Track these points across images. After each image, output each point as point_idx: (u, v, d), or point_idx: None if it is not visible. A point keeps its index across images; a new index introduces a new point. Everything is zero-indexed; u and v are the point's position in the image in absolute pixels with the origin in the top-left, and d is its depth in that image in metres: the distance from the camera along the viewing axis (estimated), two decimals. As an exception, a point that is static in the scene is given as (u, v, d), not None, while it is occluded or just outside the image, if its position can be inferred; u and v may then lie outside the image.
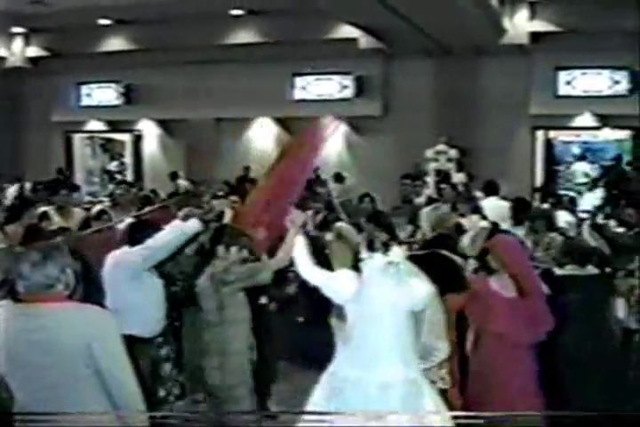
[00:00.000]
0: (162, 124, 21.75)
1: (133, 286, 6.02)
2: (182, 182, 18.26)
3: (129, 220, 6.87)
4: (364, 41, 17.87)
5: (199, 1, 17.30)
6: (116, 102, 21.47)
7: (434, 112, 18.08)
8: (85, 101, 21.93)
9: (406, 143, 18.01)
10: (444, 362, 5.62)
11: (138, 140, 22.31)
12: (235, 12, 18.42)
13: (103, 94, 21.76)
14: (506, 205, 10.46)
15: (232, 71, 19.37)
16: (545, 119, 17.85)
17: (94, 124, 22.28)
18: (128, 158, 22.72)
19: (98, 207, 11.43)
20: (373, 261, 5.18)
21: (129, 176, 21.98)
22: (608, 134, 18.15)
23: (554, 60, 17.24)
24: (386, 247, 5.26)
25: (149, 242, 6.00)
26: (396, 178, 14.91)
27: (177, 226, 6.09)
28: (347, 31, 17.75)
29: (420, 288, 5.25)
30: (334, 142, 19.91)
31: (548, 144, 18.68)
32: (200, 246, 7.06)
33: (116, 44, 20.26)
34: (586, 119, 17.71)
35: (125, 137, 22.76)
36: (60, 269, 4.02)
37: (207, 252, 6.69)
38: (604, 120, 17.57)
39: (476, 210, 9.87)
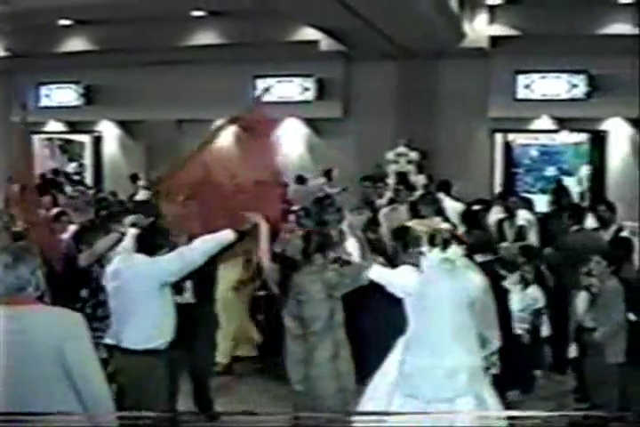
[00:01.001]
0: (122, 125, 21.63)
1: (158, 295, 5.85)
2: (142, 184, 18.16)
3: (133, 230, 6.61)
4: (326, 43, 17.90)
5: (160, 2, 17.22)
6: (75, 103, 21.32)
7: (394, 115, 18.18)
8: (45, 102, 21.72)
9: (367, 145, 18.10)
10: None
11: (98, 141, 22.16)
12: (196, 13, 18.36)
13: (63, 95, 21.58)
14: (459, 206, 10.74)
15: (193, 72, 19.32)
16: (504, 122, 18.03)
17: (53, 125, 22.10)
18: (88, 160, 22.55)
19: (57, 209, 11.39)
20: (431, 256, 5.66)
21: (88, 178, 21.83)
22: (566, 137, 18.37)
23: (513, 63, 17.42)
24: (445, 244, 5.66)
25: (184, 251, 5.91)
26: (358, 180, 14.98)
27: (213, 236, 6.05)
28: (308, 33, 17.77)
29: (475, 281, 5.83)
30: (295, 145, 19.97)
31: (507, 147, 18.84)
32: None
33: (76, 44, 20.08)
34: (544, 122, 17.93)
35: (85, 138, 22.59)
36: (31, 271, 4.04)
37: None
38: (562, 123, 17.80)
39: (439, 212, 9.94)
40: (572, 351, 7.48)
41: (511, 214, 9.97)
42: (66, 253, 6.85)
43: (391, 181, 16.80)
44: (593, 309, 7.08)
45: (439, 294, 5.63)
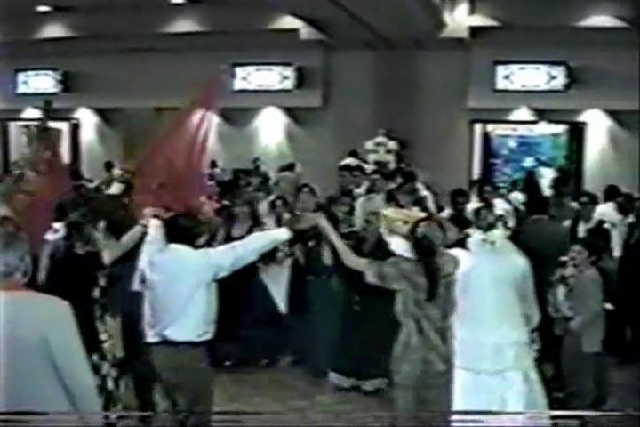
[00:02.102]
0: (100, 112, 21.55)
1: (207, 287, 5.74)
2: (117, 172, 18.03)
3: (155, 221, 6.44)
4: (305, 32, 17.89)
5: (139, -12, 17.17)
6: (53, 90, 21.17)
7: (374, 104, 18.18)
8: (22, 89, 21.60)
9: (346, 135, 18.08)
10: None
11: (75, 128, 22.04)
12: (175, 0, 18.28)
13: (40, 82, 21.46)
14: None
15: (172, 60, 19.22)
16: (483, 113, 18.07)
17: (31, 112, 21.93)
18: (65, 147, 22.39)
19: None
20: (473, 237, 6.27)
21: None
22: (544, 129, 18.42)
23: (492, 54, 17.47)
24: (488, 227, 6.33)
25: (237, 247, 5.84)
26: (336, 169, 14.96)
27: (269, 233, 6.11)
28: (288, 22, 17.76)
29: (518, 263, 6.32)
30: (274, 133, 19.95)
31: (486, 137, 18.89)
32: None
33: (54, 31, 19.95)
34: (523, 113, 17.99)
35: (63, 125, 22.40)
36: (20, 257, 4.00)
37: None
38: (541, 114, 17.86)
39: (418, 202, 9.94)
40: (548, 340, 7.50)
41: (488, 204, 9.95)
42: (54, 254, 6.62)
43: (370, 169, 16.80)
44: (570, 298, 7.10)
45: (481, 272, 6.06)
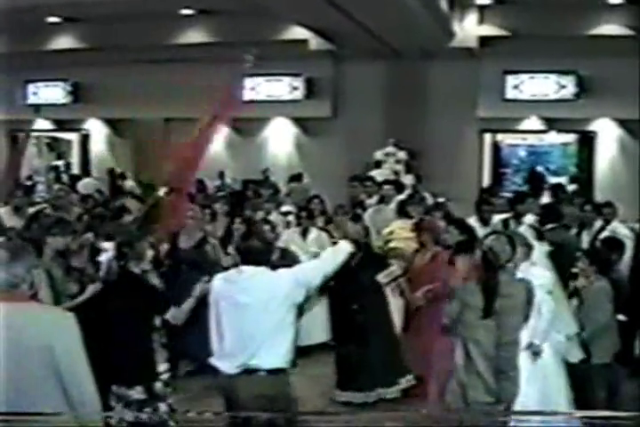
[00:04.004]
0: (109, 123, 21.57)
1: (294, 310, 5.46)
2: (129, 183, 18.10)
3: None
4: (315, 42, 17.88)
5: (149, 0, 17.15)
6: (63, 101, 21.24)
7: (383, 114, 18.16)
8: (32, 100, 21.64)
9: (356, 145, 18.05)
10: None
11: (85, 139, 22.08)
12: (185, 11, 18.30)
13: (50, 93, 21.50)
14: None
15: (181, 71, 19.19)
16: (492, 122, 18.05)
17: (41, 123, 22.00)
18: (75, 158, 22.46)
19: (37, 207, 11.54)
20: (538, 248, 6.61)
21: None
22: (554, 138, 18.39)
23: (502, 64, 17.44)
24: None
25: (319, 262, 5.72)
26: (346, 179, 14.94)
27: (340, 247, 5.84)
28: (297, 32, 17.75)
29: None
30: (284, 144, 19.95)
31: (495, 147, 18.87)
32: None
33: (64, 42, 19.98)
34: (533, 123, 17.96)
35: (72, 136, 22.50)
36: (27, 269, 4.03)
37: None
38: (551, 124, 17.82)
39: (428, 212, 9.89)
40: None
41: (518, 214, 9.85)
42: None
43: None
44: (579, 310, 7.07)
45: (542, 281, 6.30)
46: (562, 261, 7.68)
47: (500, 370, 5.39)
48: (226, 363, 5.34)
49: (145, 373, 5.60)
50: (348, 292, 7.73)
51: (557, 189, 13.19)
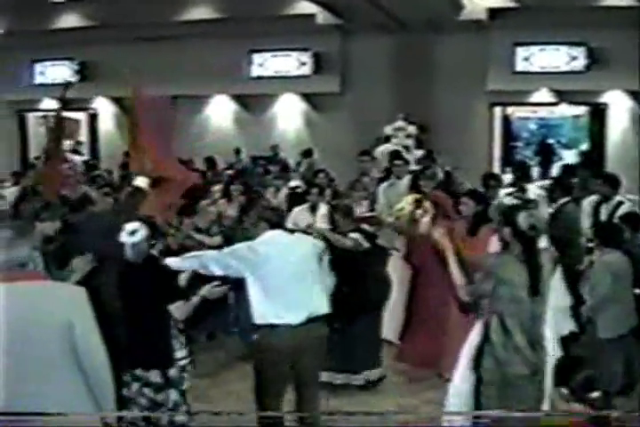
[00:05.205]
0: (117, 101, 21.48)
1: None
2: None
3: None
4: (322, 17, 17.74)
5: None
6: (69, 80, 21.13)
7: (392, 88, 18.01)
8: (39, 79, 21.59)
9: (365, 120, 17.94)
10: None
11: (93, 118, 22.03)
12: (191, -13, 18.21)
13: (57, 72, 21.43)
14: None
15: (188, 48, 19.14)
16: (502, 95, 17.89)
17: (48, 103, 21.95)
18: (83, 137, 22.41)
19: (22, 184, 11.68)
20: None
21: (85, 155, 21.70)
22: (565, 110, 18.25)
23: (512, 36, 17.25)
24: None
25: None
26: (355, 155, 14.86)
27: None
28: (304, 7, 17.61)
29: None
30: (292, 120, 19.86)
31: (506, 120, 18.74)
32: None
33: (69, 20, 19.90)
34: (543, 95, 17.78)
35: (80, 115, 22.45)
36: (31, 248, 4.15)
37: None
38: (561, 96, 17.65)
39: (439, 186, 9.82)
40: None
41: (522, 189, 9.76)
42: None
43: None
44: (584, 283, 7.04)
45: None
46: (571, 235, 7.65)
47: (535, 341, 5.36)
48: (291, 316, 5.80)
49: (162, 358, 5.57)
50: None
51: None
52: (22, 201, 8.68)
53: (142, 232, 5.54)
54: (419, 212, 8.34)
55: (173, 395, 5.56)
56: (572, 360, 5.80)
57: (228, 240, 6.92)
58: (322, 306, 5.99)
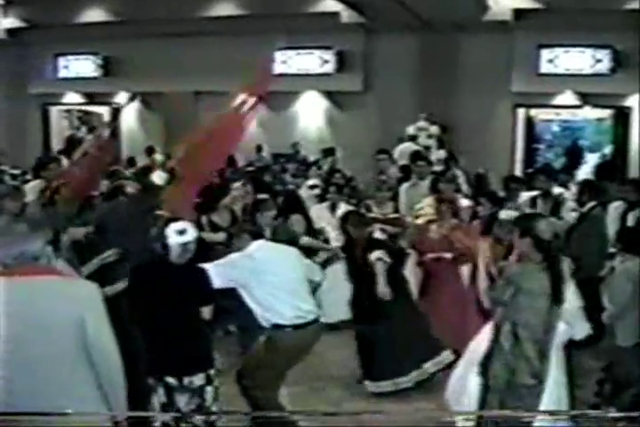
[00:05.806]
0: (140, 96, 21.53)
1: None
2: (158, 157, 18.06)
3: None
4: (346, 15, 17.72)
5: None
6: (93, 74, 21.22)
7: (415, 88, 17.98)
8: (63, 73, 21.66)
9: (387, 119, 17.92)
10: None
11: (116, 113, 22.10)
12: (215, -16, 18.21)
13: (81, 66, 21.49)
14: None
15: (212, 44, 19.15)
16: (526, 97, 17.80)
17: (72, 97, 22.04)
18: (106, 131, 22.47)
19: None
20: None
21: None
22: (588, 113, 18.13)
23: (536, 37, 17.16)
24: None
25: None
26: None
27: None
28: (328, 5, 17.61)
29: None
30: (315, 118, 19.84)
31: (529, 122, 18.65)
32: None
33: (94, 15, 19.94)
34: (567, 98, 17.67)
35: (103, 109, 22.53)
36: (44, 242, 4.10)
37: None
38: (585, 99, 17.54)
39: (458, 189, 9.80)
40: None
41: (546, 191, 9.68)
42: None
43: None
44: (604, 289, 6.99)
45: None
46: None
47: (544, 353, 5.32)
48: (299, 317, 6.02)
49: (206, 360, 5.46)
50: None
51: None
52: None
53: (191, 231, 5.39)
54: (436, 213, 8.35)
55: (209, 394, 5.41)
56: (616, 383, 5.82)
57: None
58: (314, 305, 6.28)
